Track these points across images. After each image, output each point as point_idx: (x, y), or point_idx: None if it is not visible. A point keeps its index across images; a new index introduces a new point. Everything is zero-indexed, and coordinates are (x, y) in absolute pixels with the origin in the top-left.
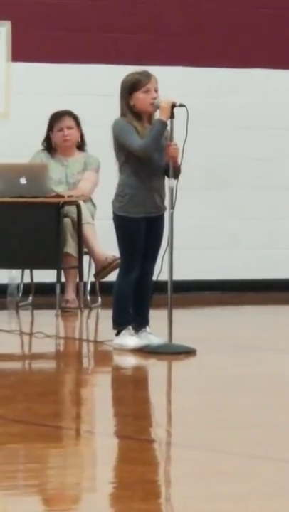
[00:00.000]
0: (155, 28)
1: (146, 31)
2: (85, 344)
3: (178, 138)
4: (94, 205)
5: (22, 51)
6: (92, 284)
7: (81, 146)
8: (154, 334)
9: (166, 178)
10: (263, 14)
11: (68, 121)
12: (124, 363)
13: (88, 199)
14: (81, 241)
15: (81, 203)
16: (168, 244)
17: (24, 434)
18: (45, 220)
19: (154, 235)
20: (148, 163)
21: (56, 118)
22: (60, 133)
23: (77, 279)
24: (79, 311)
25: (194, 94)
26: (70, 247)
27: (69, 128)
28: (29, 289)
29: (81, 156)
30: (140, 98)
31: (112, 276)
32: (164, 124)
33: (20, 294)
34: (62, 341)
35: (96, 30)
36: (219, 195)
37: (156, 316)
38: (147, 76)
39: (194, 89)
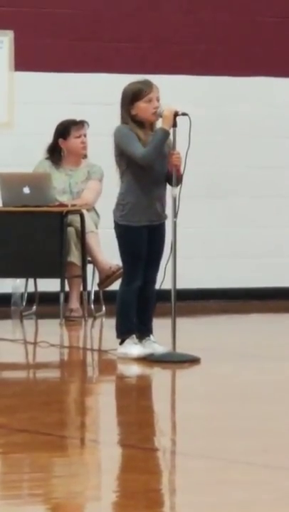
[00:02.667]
0: (157, 37)
1: (148, 40)
2: (89, 353)
3: (180, 147)
4: (97, 214)
5: (25, 60)
6: (96, 293)
7: (85, 155)
8: (158, 343)
9: (167, 186)
10: (266, 23)
11: (85, 130)
12: (129, 371)
13: (92, 208)
14: (85, 250)
15: (84, 212)
16: (171, 253)
17: (29, 443)
18: (49, 229)
19: (155, 243)
20: (149, 171)
21: (75, 125)
22: (79, 140)
23: (81, 288)
24: (83, 320)
25: (197, 103)
26: (74, 256)
27: (85, 136)
28: (33, 298)
29: (84, 166)
30: (142, 107)
31: (116, 285)
32: (166, 133)
33: (24, 303)
34: (66, 350)
35: (98, 39)
36: (222, 204)
37: (160, 325)
38: (149, 85)
39: (197, 98)
